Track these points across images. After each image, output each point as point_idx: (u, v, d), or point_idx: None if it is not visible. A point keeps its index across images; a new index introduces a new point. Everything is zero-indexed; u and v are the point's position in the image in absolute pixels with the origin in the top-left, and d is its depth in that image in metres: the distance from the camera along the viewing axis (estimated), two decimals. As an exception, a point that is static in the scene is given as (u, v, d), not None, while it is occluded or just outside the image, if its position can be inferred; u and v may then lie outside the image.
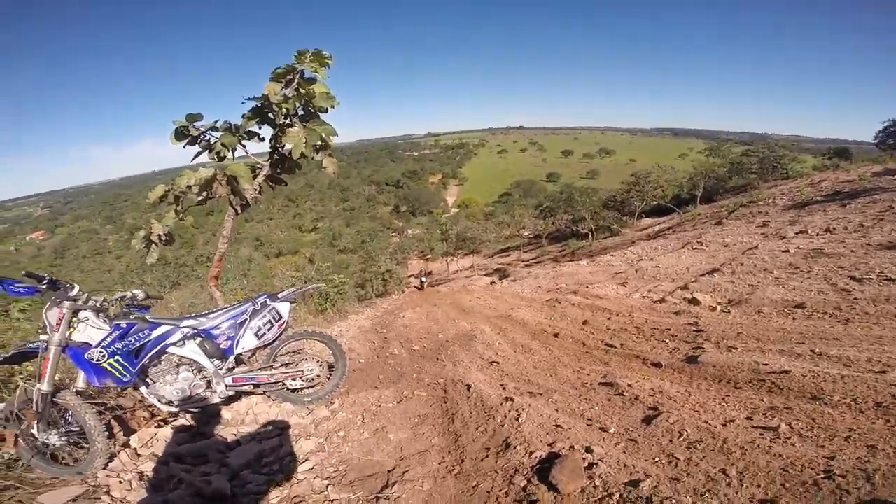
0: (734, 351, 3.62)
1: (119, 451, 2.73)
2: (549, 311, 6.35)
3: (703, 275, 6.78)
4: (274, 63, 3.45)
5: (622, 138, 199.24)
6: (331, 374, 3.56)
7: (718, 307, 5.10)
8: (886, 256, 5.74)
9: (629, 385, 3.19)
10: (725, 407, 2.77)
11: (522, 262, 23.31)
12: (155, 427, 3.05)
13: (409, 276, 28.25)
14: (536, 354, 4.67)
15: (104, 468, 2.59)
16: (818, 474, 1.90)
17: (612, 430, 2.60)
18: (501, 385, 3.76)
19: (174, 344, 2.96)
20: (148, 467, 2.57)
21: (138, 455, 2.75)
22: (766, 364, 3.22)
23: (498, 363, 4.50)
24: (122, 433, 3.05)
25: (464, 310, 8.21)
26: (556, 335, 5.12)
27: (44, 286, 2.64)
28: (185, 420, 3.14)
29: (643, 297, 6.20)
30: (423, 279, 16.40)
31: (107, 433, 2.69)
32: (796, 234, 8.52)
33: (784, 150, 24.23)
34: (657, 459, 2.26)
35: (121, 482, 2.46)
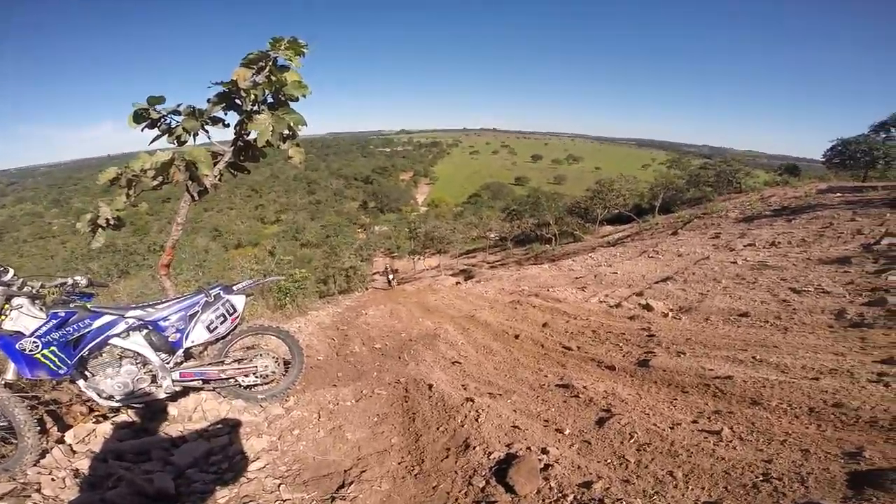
0: (683, 356, 3.78)
1: (52, 448, 2.58)
2: (511, 312, 6.45)
3: (657, 282, 7.07)
4: (243, 51, 3.34)
5: (590, 146, 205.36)
6: (286, 371, 3.48)
7: (670, 313, 5.33)
8: (824, 270, 6.16)
9: (584, 387, 3.28)
10: (674, 410, 2.90)
11: (488, 263, 23.56)
12: (93, 423, 2.90)
13: (374, 274, 27.97)
14: (497, 355, 4.73)
15: (35, 465, 2.45)
16: (757, 477, 2.01)
17: (567, 432, 2.68)
18: (463, 385, 3.78)
19: (118, 335, 2.80)
20: (84, 465, 2.45)
21: (74, 452, 2.62)
22: (711, 369, 3.39)
23: (460, 363, 4.52)
24: (56, 429, 2.88)
25: (428, 309, 8.21)
26: (516, 337, 5.21)
27: None
28: (126, 416, 3.00)
29: (601, 301, 6.40)
30: (391, 277, 16.11)
31: (38, 428, 2.53)
32: (745, 246, 9.02)
33: (739, 164, 25.63)
34: (609, 461, 2.34)
35: (53, 479, 2.34)
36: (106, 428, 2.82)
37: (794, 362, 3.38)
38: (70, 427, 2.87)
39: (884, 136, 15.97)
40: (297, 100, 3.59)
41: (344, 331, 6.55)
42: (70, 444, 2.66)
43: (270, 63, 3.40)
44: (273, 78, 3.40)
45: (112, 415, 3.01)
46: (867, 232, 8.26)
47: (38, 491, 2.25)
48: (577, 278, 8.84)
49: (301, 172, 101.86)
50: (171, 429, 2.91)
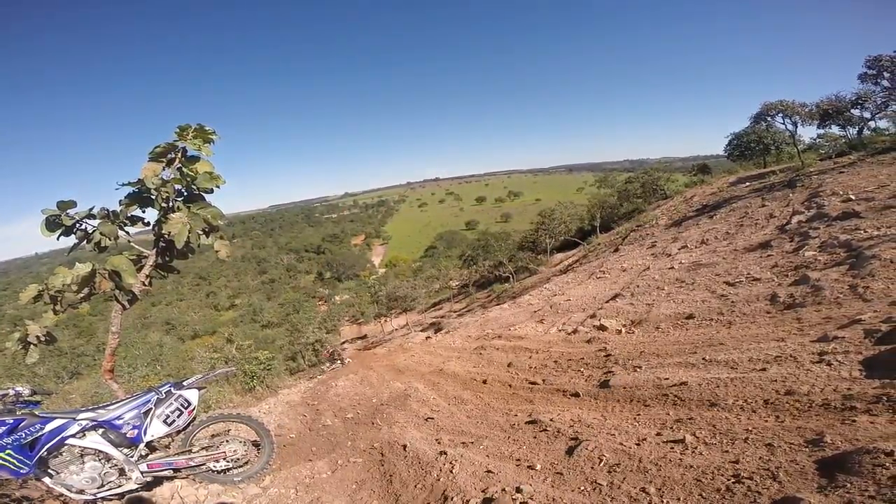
0: (639, 370, 3.96)
1: None
2: (478, 358, 6.49)
3: (607, 301, 7.39)
4: (164, 134, 3.31)
5: (526, 179, 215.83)
6: (259, 452, 3.51)
7: (623, 329, 5.58)
8: (750, 258, 6.69)
9: (551, 419, 3.35)
10: (637, 426, 3.00)
11: (455, 312, 23.54)
12: None
13: (343, 343, 27.16)
14: (469, 404, 4.73)
15: None
16: (729, 479, 2.04)
17: (538, 467, 2.72)
18: (437, 440, 3.77)
19: (73, 436, 2.93)
20: None
21: None
22: (667, 378, 3.55)
23: (433, 418, 4.50)
24: None
25: (399, 369, 8.08)
26: (484, 381, 5.24)
27: None
28: None
29: (559, 330, 6.59)
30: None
31: None
32: (679, 249, 9.66)
33: (659, 172, 27.47)
34: (583, 488, 2.39)
35: None
36: None
37: (741, 356, 3.56)
38: None
39: (764, 125, 17.99)
40: (211, 192, 3.54)
41: (315, 406, 6.36)
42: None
43: (179, 154, 3.34)
44: (184, 170, 3.34)
45: None
46: (778, 214, 9.12)
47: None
48: (535, 312, 9.05)
49: (249, 252, 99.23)
50: None
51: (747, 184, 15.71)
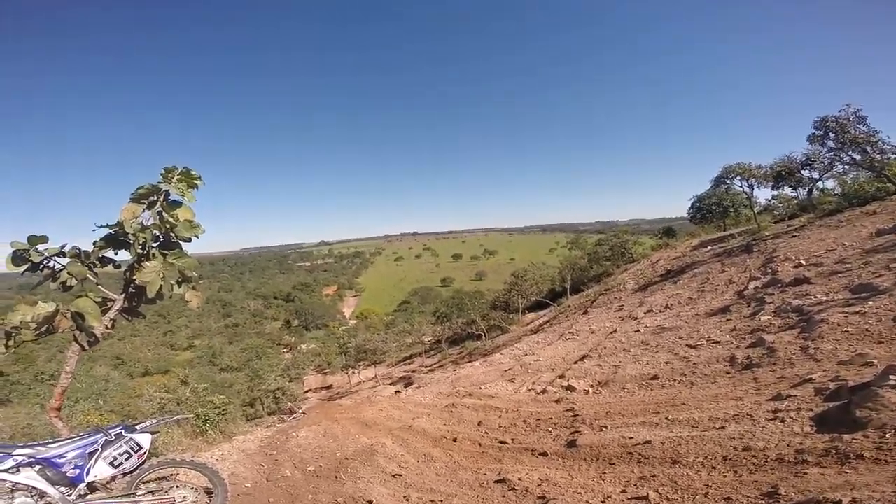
0: (605, 430, 4.06)
1: None
2: (448, 416, 6.42)
3: (576, 362, 7.54)
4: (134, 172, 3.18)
5: (502, 237, 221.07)
6: (210, 500, 3.33)
7: (591, 390, 5.70)
8: (711, 323, 7.04)
9: (519, 479, 3.38)
10: (603, 484, 3.08)
11: (426, 367, 23.08)
12: None
13: (307, 392, 25.93)
14: (438, 461, 4.65)
15: None
16: None
17: (506, 525, 2.73)
18: (405, 497, 3.70)
19: (5, 471, 2.75)
20: None
21: None
22: (631, 437, 3.67)
23: (401, 475, 4.40)
24: None
25: (366, 423, 7.82)
26: (454, 440, 5.19)
27: None
28: None
29: (528, 389, 6.65)
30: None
31: None
32: (644, 314, 10.02)
33: (627, 235, 28.46)
34: (549, 546, 2.42)
35: None
36: None
37: (701, 415, 3.75)
38: None
39: (724, 187, 18.79)
40: (189, 241, 3.44)
41: (273, 455, 6.05)
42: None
43: (161, 198, 3.26)
44: (164, 215, 3.26)
45: None
46: (736, 280, 9.66)
47: None
48: (506, 371, 9.08)
49: (214, 294, 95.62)
50: None
51: (709, 248, 16.52)
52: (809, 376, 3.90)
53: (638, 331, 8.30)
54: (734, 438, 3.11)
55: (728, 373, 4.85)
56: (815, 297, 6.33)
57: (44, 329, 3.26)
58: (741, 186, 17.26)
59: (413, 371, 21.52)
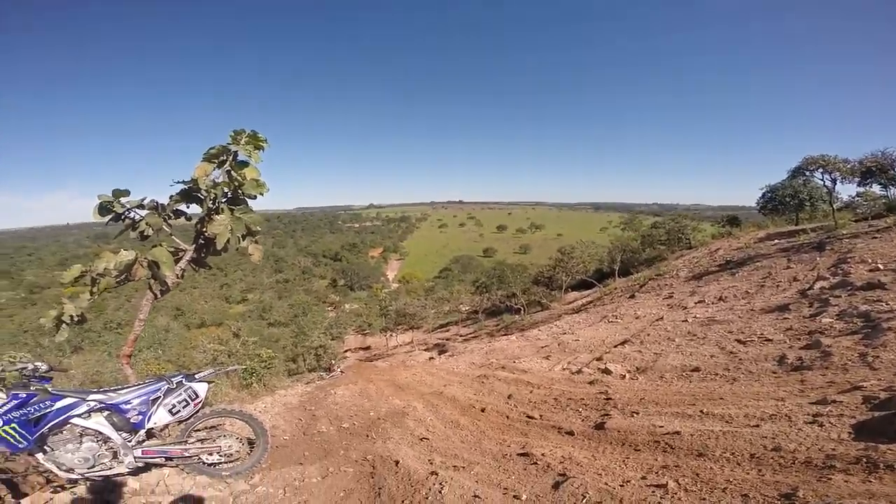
0: (636, 416, 3.99)
1: None
2: (479, 386, 6.54)
3: (616, 346, 7.38)
4: (201, 132, 3.48)
5: (550, 213, 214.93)
6: (251, 450, 3.56)
7: (628, 375, 5.59)
8: (766, 320, 6.64)
9: (543, 454, 3.41)
10: (625, 468, 3.06)
11: (461, 336, 23.46)
12: (51, 492, 3.00)
13: (346, 351, 27.21)
14: (464, 429, 4.78)
15: None
16: None
17: (524, 497, 2.79)
18: (429, 460, 3.83)
19: (79, 416, 2.98)
20: None
21: None
22: (661, 426, 3.60)
23: (428, 439, 4.56)
24: (11, 496, 3.00)
25: (399, 386, 8.14)
26: (482, 410, 5.29)
27: None
28: (86, 488, 3.08)
29: (563, 369, 6.61)
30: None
31: None
32: (695, 303, 9.57)
33: (687, 220, 26.77)
34: (562, 522, 2.46)
35: None
36: (65, 498, 2.92)
37: (738, 412, 3.63)
38: (26, 495, 2.98)
39: (802, 179, 17.23)
40: (254, 198, 3.73)
41: (311, 411, 6.43)
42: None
43: (230, 158, 3.55)
44: (233, 174, 3.55)
45: (70, 486, 3.07)
46: (802, 277, 8.98)
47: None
48: (542, 347, 9.05)
49: (268, 250, 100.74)
50: (132, 502, 3.00)
51: (776, 241, 15.31)
52: (861, 384, 3.64)
53: (686, 320, 7.97)
54: (766, 437, 3.02)
55: (775, 372, 4.59)
56: (887, 304, 5.79)
57: (123, 277, 3.60)
58: (822, 180, 15.71)
59: (448, 339, 21.95)
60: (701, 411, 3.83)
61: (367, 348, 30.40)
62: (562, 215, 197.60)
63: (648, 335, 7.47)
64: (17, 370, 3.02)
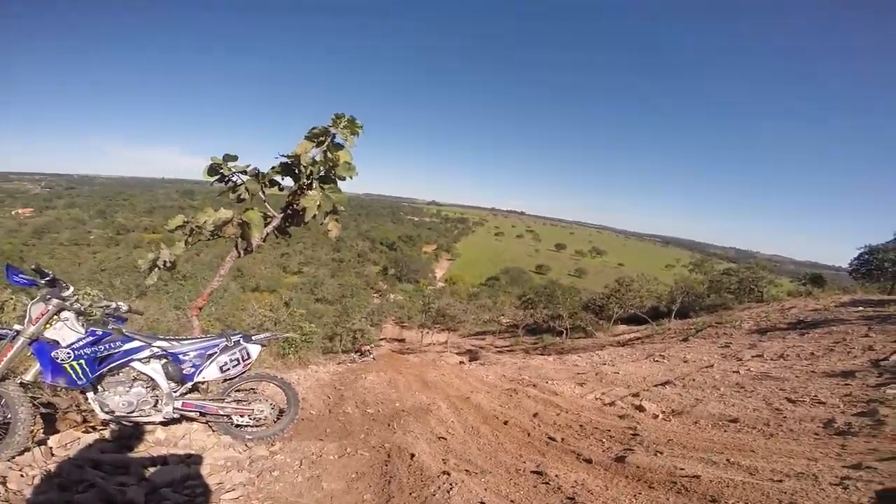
0: (660, 455, 3.83)
1: (33, 447, 2.71)
2: (506, 399, 6.50)
3: (656, 385, 7.05)
4: (288, 119, 3.75)
5: (615, 239, 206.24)
6: (278, 419, 3.65)
7: (661, 415, 5.34)
8: (825, 383, 6.09)
9: (556, 475, 3.37)
10: (634, 503, 2.98)
11: (495, 347, 23.25)
12: (82, 432, 3.06)
13: (381, 340, 27.80)
14: (483, 438, 4.79)
15: (10, 460, 2.56)
16: None
17: (528, 513, 2.78)
18: (444, 460, 3.88)
19: (140, 360, 3.06)
20: (59, 468, 2.56)
21: (52, 454, 2.74)
22: (682, 469, 3.44)
23: (446, 440, 4.61)
24: (42, 431, 3.04)
25: (426, 383, 8.26)
26: (505, 422, 5.27)
27: (43, 282, 2.81)
28: (114, 431, 3.15)
29: (596, 398, 6.41)
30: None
31: (32, 428, 2.71)
32: (752, 357, 8.90)
33: (763, 271, 24.75)
34: (562, 545, 2.43)
35: (22, 476, 2.44)
36: (91, 438, 2.97)
37: (765, 465, 3.44)
38: (57, 431, 3.03)
39: None
40: (343, 179, 3.95)
41: (340, 391, 6.68)
42: (51, 447, 2.78)
43: (329, 139, 3.79)
44: (329, 155, 3.78)
45: (101, 428, 3.18)
46: (879, 348, 8.09)
47: (3, 484, 2.35)
48: (578, 373, 8.82)
49: (333, 242, 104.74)
50: (155, 451, 3.07)
51: (860, 308, 13.82)
52: (906, 453, 3.31)
53: (737, 371, 7.46)
54: (785, 493, 2.86)
55: (817, 434, 4.25)
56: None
57: (216, 232, 3.92)
58: None
59: (482, 347, 21.84)
60: (728, 460, 3.64)
61: (402, 340, 30.84)
62: (627, 244, 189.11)
63: (693, 380, 7.07)
64: (101, 307, 3.13)
